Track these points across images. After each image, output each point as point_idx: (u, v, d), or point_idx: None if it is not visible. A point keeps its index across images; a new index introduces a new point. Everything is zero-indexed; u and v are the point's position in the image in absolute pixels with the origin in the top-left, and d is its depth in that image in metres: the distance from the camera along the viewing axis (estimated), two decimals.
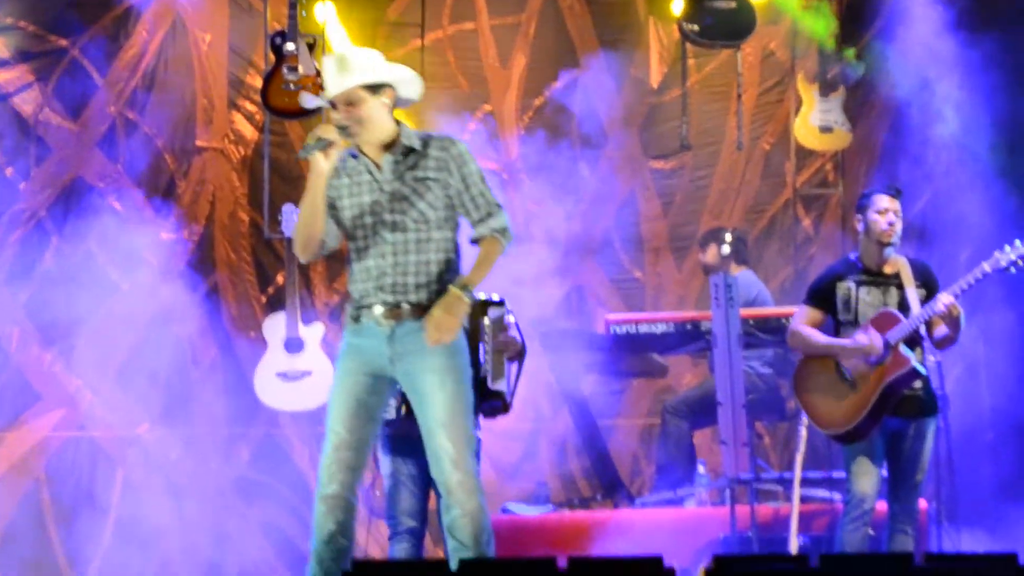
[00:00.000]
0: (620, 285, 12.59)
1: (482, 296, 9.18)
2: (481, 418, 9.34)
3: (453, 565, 7.17)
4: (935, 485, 9.40)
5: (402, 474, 9.21)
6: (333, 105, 7.59)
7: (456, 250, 7.67)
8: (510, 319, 9.31)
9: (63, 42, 12.97)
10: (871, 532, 9.19)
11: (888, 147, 12.86)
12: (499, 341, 9.18)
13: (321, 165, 7.42)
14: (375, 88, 7.57)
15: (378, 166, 7.60)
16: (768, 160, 13.45)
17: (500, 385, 9.16)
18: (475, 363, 8.98)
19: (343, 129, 7.48)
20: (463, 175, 7.57)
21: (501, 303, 9.28)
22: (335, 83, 7.56)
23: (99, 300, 12.36)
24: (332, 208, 7.63)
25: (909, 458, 9.21)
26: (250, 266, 12.48)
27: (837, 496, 9.87)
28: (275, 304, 11.99)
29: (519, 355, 9.32)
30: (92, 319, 12.35)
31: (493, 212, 7.61)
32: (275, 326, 11.55)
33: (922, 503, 9.45)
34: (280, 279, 12.14)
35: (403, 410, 8.89)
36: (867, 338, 9.09)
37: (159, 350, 12.34)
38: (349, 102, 7.52)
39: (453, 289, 7.43)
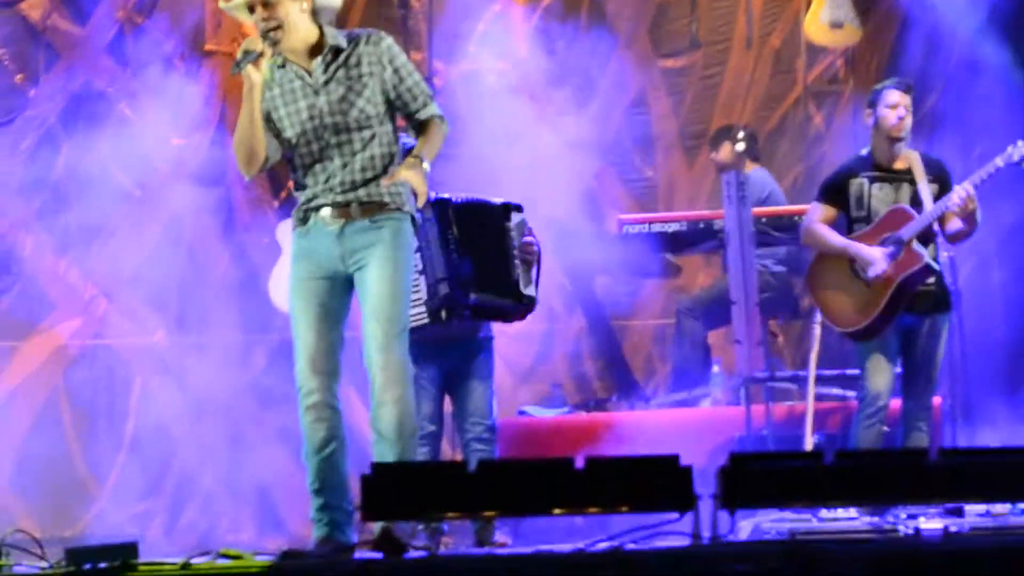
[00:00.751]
0: (632, 184, 12.65)
1: (501, 200, 9.36)
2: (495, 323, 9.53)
3: (383, 454, 7.44)
4: (949, 381, 9.49)
5: (421, 379, 9.29)
6: (251, 9, 7.53)
7: (397, 143, 7.76)
8: (522, 218, 9.46)
9: None
10: (886, 429, 9.31)
11: (900, 42, 12.89)
12: (523, 250, 9.32)
13: (253, 77, 7.45)
14: None
15: (308, 71, 7.62)
16: (778, 57, 13.50)
17: (531, 291, 9.35)
18: (505, 265, 9.19)
19: (266, 35, 7.47)
20: (395, 68, 7.64)
21: (520, 208, 9.41)
22: None
23: (111, 207, 12.43)
24: (267, 121, 7.64)
25: (923, 355, 9.32)
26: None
27: (851, 394, 9.95)
28: (288, 209, 12.05)
29: (537, 258, 9.46)
30: (105, 226, 12.44)
31: (429, 101, 7.70)
32: (288, 231, 11.64)
33: (936, 399, 9.55)
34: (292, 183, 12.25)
35: (440, 314, 9.11)
36: (878, 256, 9.18)
37: (172, 257, 12.42)
38: (265, 3, 7.49)
39: (411, 157, 7.50)
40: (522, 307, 9.40)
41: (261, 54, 7.42)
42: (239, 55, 7.47)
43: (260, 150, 7.60)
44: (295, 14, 7.51)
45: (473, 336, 9.48)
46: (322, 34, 7.64)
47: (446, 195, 9.48)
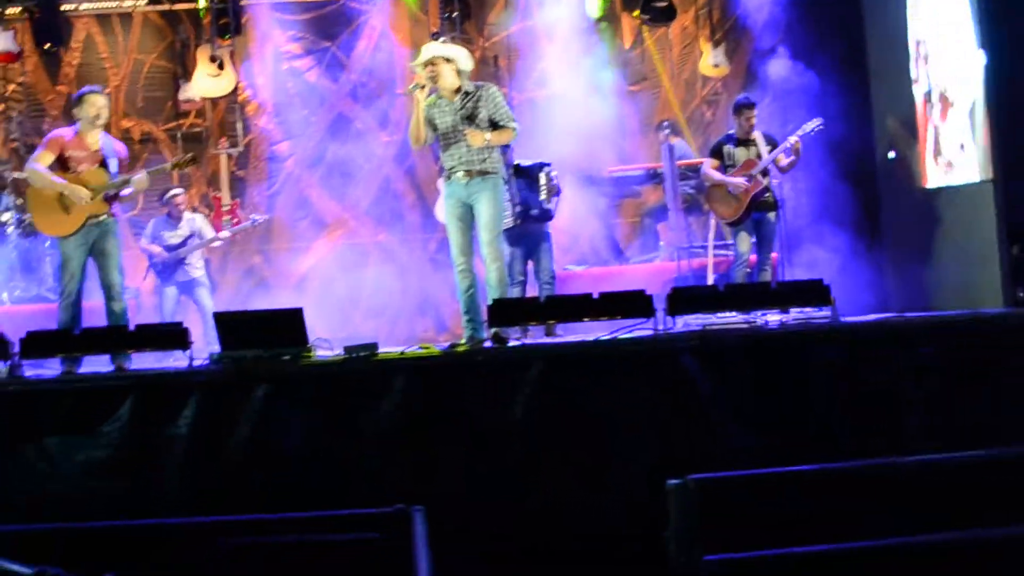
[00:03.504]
0: (616, 152, 12.34)
1: (539, 162, 9.48)
2: (551, 223, 9.52)
3: (492, 296, 7.54)
4: (780, 247, 9.41)
5: (516, 254, 9.45)
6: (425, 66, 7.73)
7: None
8: (554, 173, 9.48)
9: (327, 43, 12.98)
10: (748, 271, 9.30)
11: (748, 72, 12.72)
12: (548, 185, 9.38)
13: (419, 96, 7.65)
14: (447, 59, 7.67)
15: (452, 101, 7.70)
16: (687, 83, 13.17)
17: (550, 205, 9.44)
18: (537, 195, 9.38)
19: (431, 78, 7.64)
20: (493, 103, 7.73)
21: (547, 164, 9.47)
22: (426, 52, 7.77)
23: (354, 174, 12.48)
24: (430, 121, 7.74)
25: (767, 232, 9.32)
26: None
27: (730, 253, 9.87)
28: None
29: (558, 191, 9.51)
30: (352, 182, 12.49)
31: (509, 120, 7.75)
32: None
33: (774, 255, 9.52)
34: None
35: (517, 220, 9.22)
36: (739, 181, 9.15)
37: (384, 197, 12.37)
38: (431, 63, 7.66)
39: (481, 131, 7.65)
40: (546, 213, 9.45)
41: (423, 86, 7.59)
42: (411, 85, 7.66)
43: (422, 135, 7.76)
44: (446, 71, 7.65)
45: (541, 231, 9.53)
46: (460, 82, 7.69)
47: (519, 161, 9.55)
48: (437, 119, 7.77)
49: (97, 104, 7.82)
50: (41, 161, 7.73)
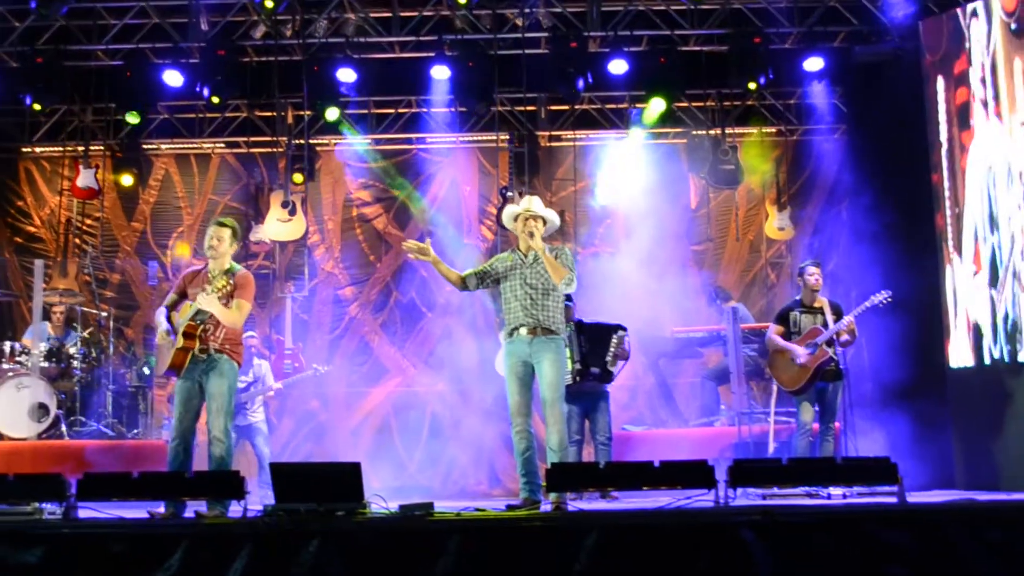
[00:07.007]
0: (679, 312, 12.39)
1: (613, 323, 9.34)
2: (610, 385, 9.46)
3: (551, 459, 7.33)
4: (843, 416, 9.23)
5: (573, 412, 9.31)
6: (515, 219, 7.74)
7: (561, 298, 7.67)
8: (626, 338, 9.43)
9: (396, 192, 13.19)
10: (811, 440, 9.09)
11: (813, 239, 12.78)
12: (617, 349, 9.29)
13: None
14: (543, 219, 7.63)
15: (525, 256, 7.63)
16: (752, 245, 13.34)
17: (615, 370, 9.35)
18: (603, 357, 9.18)
19: (527, 232, 7.55)
20: (567, 265, 7.56)
21: (623, 328, 9.39)
22: (530, 203, 7.69)
23: (414, 322, 12.50)
24: (498, 272, 7.67)
25: (830, 402, 9.12)
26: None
27: (792, 421, 9.71)
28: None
29: (626, 356, 9.41)
30: (415, 330, 12.50)
31: (570, 266, 7.57)
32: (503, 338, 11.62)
33: (837, 425, 9.34)
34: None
35: (576, 378, 9.08)
36: (803, 352, 9.03)
37: (449, 349, 12.39)
38: (532, 217, 7.60)
39: (544, 250, 7.54)
40: (610, 376, 9.37)
41: (530, 248, 7.56)
42: (531, 241, 7.52)
43: (471, 286, 7.73)
44: (539, 229, 7.59)
45: (599, 390, 9.44)
46: (543, 245, 7.65)
47: (585, 320, 9.50)
48: (509, 272, 7.65)
49: (209, 235, 7.58)
50: (166, 302, 7.63)
